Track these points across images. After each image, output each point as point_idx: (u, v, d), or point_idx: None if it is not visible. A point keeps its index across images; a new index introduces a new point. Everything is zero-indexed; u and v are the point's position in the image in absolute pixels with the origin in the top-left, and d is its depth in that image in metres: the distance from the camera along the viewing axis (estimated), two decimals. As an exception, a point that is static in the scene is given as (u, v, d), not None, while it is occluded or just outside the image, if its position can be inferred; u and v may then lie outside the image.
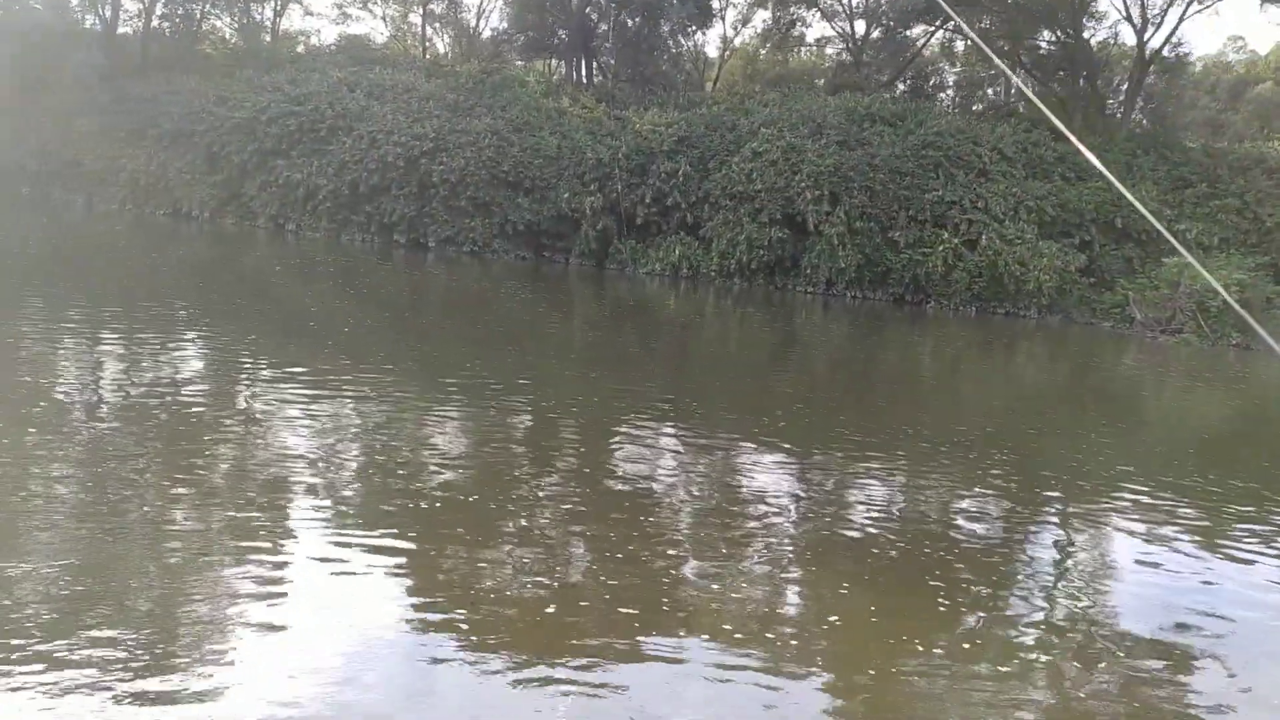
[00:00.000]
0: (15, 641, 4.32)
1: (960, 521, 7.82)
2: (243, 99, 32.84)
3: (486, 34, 47.64)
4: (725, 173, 29.05)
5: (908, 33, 41.25)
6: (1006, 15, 35.99)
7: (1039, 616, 5.99)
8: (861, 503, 8.02)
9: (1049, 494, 8.91)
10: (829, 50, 46.45)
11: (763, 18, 46.00)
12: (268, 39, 44.95)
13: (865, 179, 27.92)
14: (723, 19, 46.21)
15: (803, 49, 47.48)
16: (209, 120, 32.56)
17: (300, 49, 45.81)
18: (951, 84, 45.63)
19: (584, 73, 41.20)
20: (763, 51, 47.53)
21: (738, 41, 48.61)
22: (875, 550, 6.78)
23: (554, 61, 45.66)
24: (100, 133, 34.06)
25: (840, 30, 43.70)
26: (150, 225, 29.17)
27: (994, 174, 28.69)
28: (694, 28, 42.65)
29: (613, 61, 42.02)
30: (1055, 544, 7.63)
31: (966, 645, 5.42)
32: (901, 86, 42.39)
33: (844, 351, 18.61)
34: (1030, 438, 11.51)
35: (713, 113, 32.07)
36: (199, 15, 43.81)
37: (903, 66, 42.26)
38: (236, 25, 45.44)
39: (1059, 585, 6.61)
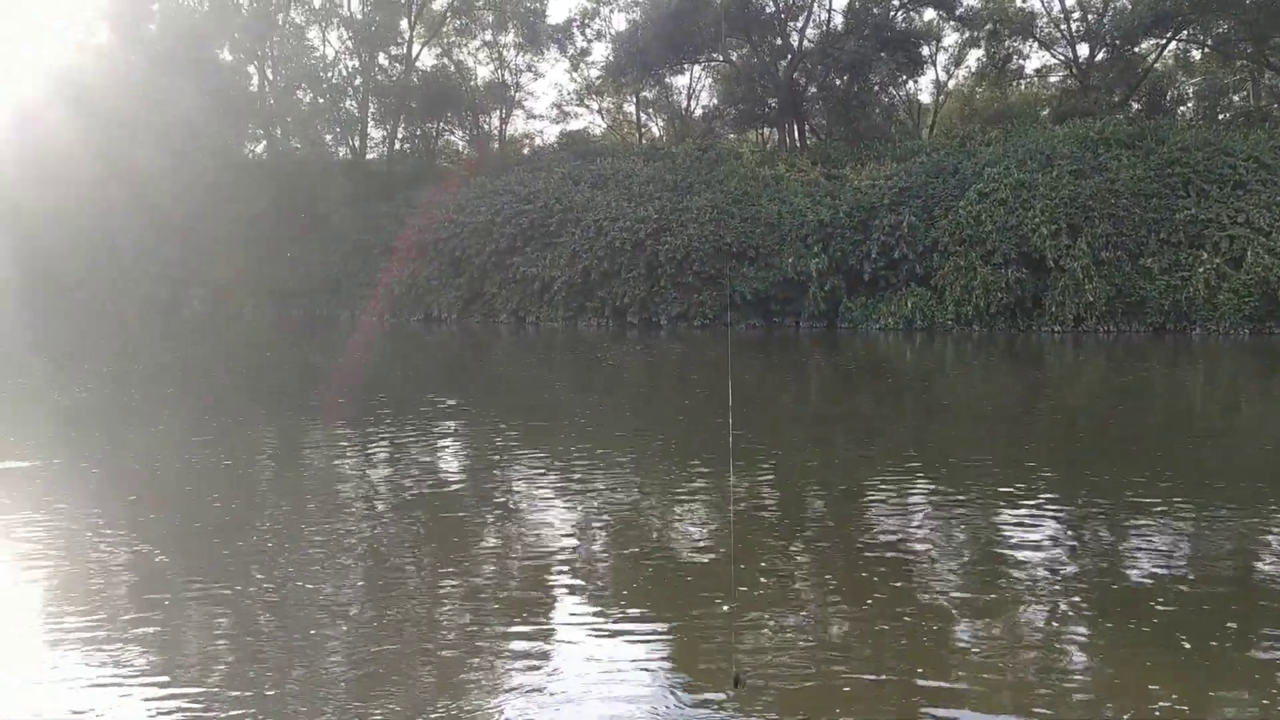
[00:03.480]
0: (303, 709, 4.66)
1: (1259, 572, 7.10)
2: (478, 204, 35.04)
3: (698, 113, 48.85)
4: (952, 218, 28.25)
5: (1136, 49, 39.05)
6: (1247, 17, 33.45)
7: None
8: (1141, 554, 7.42)
9: (1364, 531, 7.95)
10: (1051, 79, 44.61)
11: (976, 56, 44.84)
12: (496, 146, 47.94)
13: (1106, 206, 26.42)
14: (933, 64, 45.39)
15: (1022, 81, 45.79)
16: (450, 228, 34.90)
17: (526, 151, 48.53)
18: (1191, 95, 42.71)
19: (796, 137, 41.39)
20: (979, 90, 46.23)
21: (951, 84, 47.58)
22: (1161, 605, 6.24)
23: (766, 130, 46.19)
24: (357, 251, 37.23)
25: (1062, 56, 41.96)
26: (406, 331, 31.40)
27: (1253, 185, 26.46)
28: (904, 77, 42.13)
29: (824, 122, 42.04)
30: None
31: (1268, 705, 4.88)
32: (1135, 105, 40.05)
33: (1103, 390, 17.47)
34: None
35: (932, 159, 31.36)
36: (435, 134, 47.43)
37: (1134, 85, 39.97)
38: (468, 138, 48.82)
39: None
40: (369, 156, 45.53)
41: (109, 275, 37.74)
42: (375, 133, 46.57)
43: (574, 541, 7.78)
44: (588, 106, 52.95)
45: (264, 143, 44.71)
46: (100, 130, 36.48)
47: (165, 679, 5.08)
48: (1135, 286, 25.94)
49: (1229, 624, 5.91)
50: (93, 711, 4.70)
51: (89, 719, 4.57)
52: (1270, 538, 7.85)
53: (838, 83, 40.02)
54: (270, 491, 9.83)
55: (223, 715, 4.74)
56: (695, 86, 49.56)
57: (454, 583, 6.78)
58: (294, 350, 25.57)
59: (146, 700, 4.88)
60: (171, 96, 36.80)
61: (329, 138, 45.80)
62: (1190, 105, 42.23)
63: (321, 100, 44.30)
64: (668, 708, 4.87)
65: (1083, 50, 40.41)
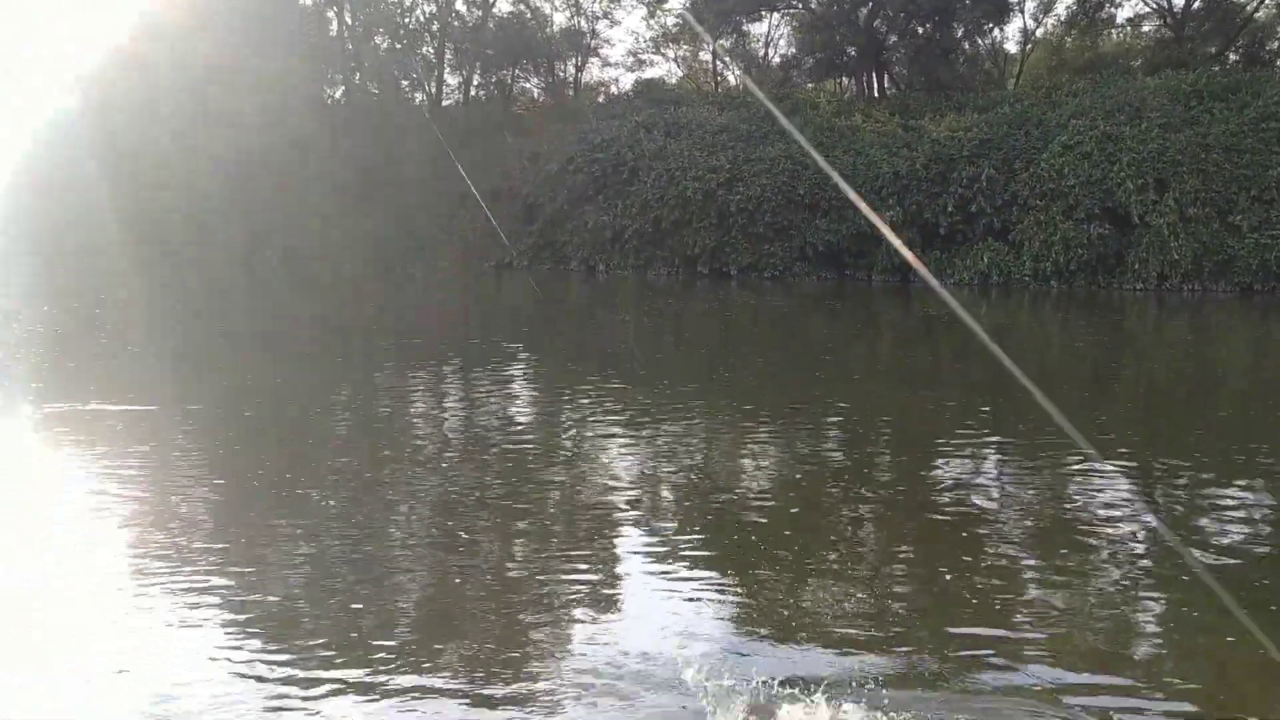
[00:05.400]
0: (378, 655, 4.85)
1: (1333, 530, 6.92)
2: (552, 152, 35.08)
3: (776, 61, 48.04)
4: (1033, 171, 27.55)
5: (1236, -2, 37.35)
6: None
7: None
8: (1220, 520, 7.28)
9: None
10: (1144, 28, 42.86)
11: (1066, 4, 43.23)
12: (571, 94, 47.78)
13: (1196, 161, 25.51)
14: (1021, 11, 43.80)
15: (1113, 31, 44.10)
16: (524, 175, 35.05)
17: (601, 99, 48.29)
18: (1293, 46, 40.70)
19: (875, 87, 40.52)
20: (1068, 39, 44.63)
21: (1040, 33, 45.94)
22: (1239, 572, 6.13)
23: (844, 79, 45.26)
24: (434, 199, 37.57)
25: (1156, 5, 40.28)
26: (480, 278, 31.72)
27: (1354, 139, 25.32)
28: (990, 25, 40.80)
29: (905, 71, 41.05)
30: None
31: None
32: (1233, 57, 38.36)
33: (1185, 352, 17.02)
34: None
35: (1015, 110, 30.52)
36: (510, 81, 47.41)
37: (1232, 35, 38.26)
38: (543, 85, 48.72)
39: None
40: (445, 104, 45.76)
41: (202, 222, 38.56)
42: (451, 79, 46.77)
43: (640, 491, 7.88)
44: (664, 54, 52.36)
45: (342, 89, 45.22)
46: (194, 76, 37.28)
47: (240, 617, 5.29)
48: (1223, 244, 25.10)
49: (1294, 585, 5.80)
50: (169, 651, 4.91)
51: (166, 659, 4.78)
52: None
53: (920, 31, 38.98)
54: (350, 433, 10.11)
55: (298, 651, 4.95)
56: (773, 34, 48.72)
57: (523, 527, 6.92)
58: (393, 298, 26.04)
59: (221, 632, 5.11)
60: (259, 43, 37.34)
61: (405, 83, 46.10)
62: (1291, 57, 40.30)
63: (399, 45, 44.54)
64: (728, 656, 4.89)
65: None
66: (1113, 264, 26.39)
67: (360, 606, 5.35)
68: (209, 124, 37.56)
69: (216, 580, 5.63)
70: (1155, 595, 5.77)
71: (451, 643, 4.96)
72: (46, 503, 7.20)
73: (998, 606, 5.51)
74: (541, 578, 5.87)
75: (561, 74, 49.00)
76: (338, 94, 45.46)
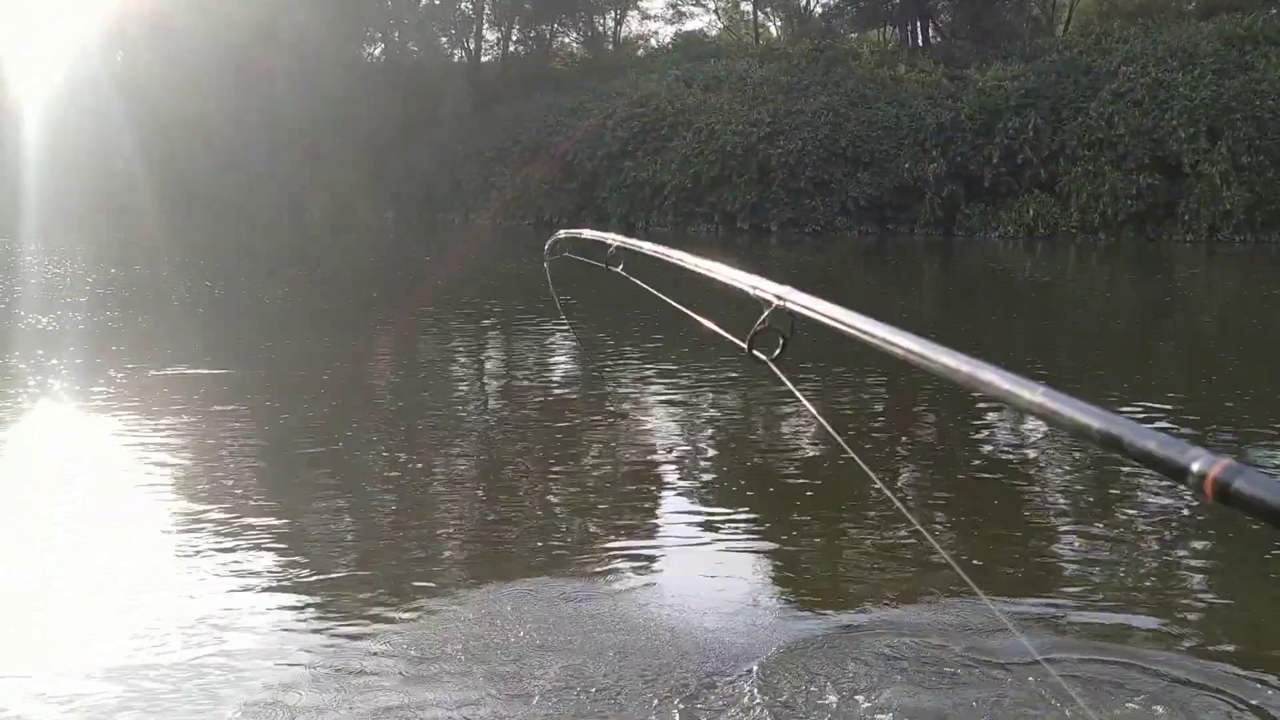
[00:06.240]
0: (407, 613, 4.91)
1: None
2: (591, 108, 34.89)
3: (818, 10, 47.24)
4: (1082, 120, 26.97)
5: (1297, -65, 36.02)
6: None
7: None
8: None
9: None
10: (1199, -30, 41.57)
11: (1117, -54, 42.03)
12: (610, 48, 47.38)
13: (1250, 108, 24.84)
14: (1071, -45, 42.69)
15: (1168, -27, 42.83)
16: (563, 132, 34.89)
17: (640, 53, 47.84)
18: (1358, -14, 39.29)
19: (920, 36, 39.76)
20: (1120, -17, 43.44)
21: (1090, -23, 44.75)
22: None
23: (888, 29, 44.44)
24: (473, 155, 37.56)
25: (1212, -55, 39.01)
26: (516, 234, 31.75)
27: None
28: (1038, -30, 39.83)
29: (950, 19, 40.22)
30: None
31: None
32: (1293, -2, 37.11)
33: (1238, 307, 16.66)
34: None
35: (1064, 58, 29.82)
36: (549, 36, 47.09)
37: (1293, -25, 37.00)
38: (582, 40, 48.35)
39: None
40: (484, 59, 45.59)
41: (239, 185, 38.78)
42: (490, 35, 46.53)
43: (680, 447, 7.89)
44: (704, 6, 51.70)
45: (381, 46, 45.16)
46: (230, 41, 37.38)
47: (288, 565, 5.37)
48: (1277, 193, 24.45)
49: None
50: (217, 611, 5.00)
51: (214, 618, 4.87)
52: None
53: (966, -23, 38.14)
54: (391, 389, 10.22)
55: (342, 592, 5.04)
56: (816, -17, 47.80)
57: (560, 481, 6.97)
58: (441, 258, 26.20)
59: (271, 582, 5.21)
60: (295, 3, 37.37)
61: (444, 40, 45.94)
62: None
63: (438, 1, 44.34)
64: (765, 618, 4.88)
65: (1237, -62, 37.49)
66: (1162, 215, 25.86)
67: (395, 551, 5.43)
68: (242, 85, 37.72)
69: (269, 553, 5.67)
70: (1198, 552, 5.70)
71: (501, 613, 4.96)
72: (124, 468, 7.29)
73: (1036, 561, 5.48)
74: (582, 532, 5.92)
75: (600, 28, 48.60)
76: (377, 51, 45.43)
